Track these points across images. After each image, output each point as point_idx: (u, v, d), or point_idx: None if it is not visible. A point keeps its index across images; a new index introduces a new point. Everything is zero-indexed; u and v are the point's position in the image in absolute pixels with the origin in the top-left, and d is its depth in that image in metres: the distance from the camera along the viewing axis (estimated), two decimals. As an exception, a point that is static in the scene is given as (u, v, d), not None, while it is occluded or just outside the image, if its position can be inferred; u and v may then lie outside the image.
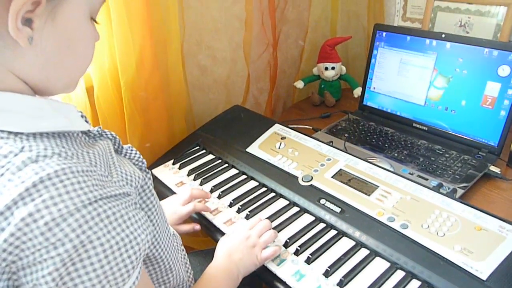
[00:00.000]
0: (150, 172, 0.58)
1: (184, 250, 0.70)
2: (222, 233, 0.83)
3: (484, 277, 0.63)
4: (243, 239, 0.75)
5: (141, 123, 1.04)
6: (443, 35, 1.06)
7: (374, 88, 1.25)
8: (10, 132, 0.42)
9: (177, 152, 1.10)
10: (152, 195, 0.54)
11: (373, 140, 1.14)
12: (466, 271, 0.65)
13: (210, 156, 1.07)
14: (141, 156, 0.60)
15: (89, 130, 0.52)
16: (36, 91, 0.47)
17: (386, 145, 1.11)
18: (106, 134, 0.55)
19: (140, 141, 1.05)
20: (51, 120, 0.45)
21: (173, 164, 1.06)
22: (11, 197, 0.38)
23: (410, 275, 0.68)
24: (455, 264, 0.66)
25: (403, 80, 1.17)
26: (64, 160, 0.41)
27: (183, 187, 0.97)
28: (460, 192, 0.90)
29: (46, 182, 0.38)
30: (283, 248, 0.77)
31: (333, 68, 1.37)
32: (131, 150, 0.59)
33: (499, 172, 0.96)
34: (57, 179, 0.39)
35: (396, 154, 1.06)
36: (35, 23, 0.41)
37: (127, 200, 0.46)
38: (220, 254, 0.74)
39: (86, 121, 0.57)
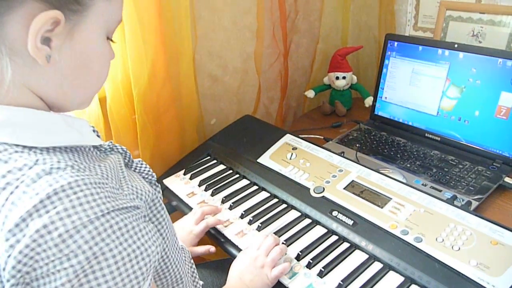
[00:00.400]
0: (159, 185, 0.58)
1: (193, 263, 0.70)
2: (233, 245, 0.83)
3: (501, 293, 0.62)
4: (251, 261, 0.75)
5: (153, 134, 1.04)
6: (456, 45, 1.06)
7: (386, 97, 1.24)
8: (24, 146, 0.43)
9: (188, 162, 1.11)
10: (162, 209, 0.55)
11: (385, 150, 1.13)
12: (483, 286, 0.64)
13: (221, 167, 1.07)
14: (151, 170, 0.60)
15: (100, 145, 0.53)
16: (52, 108, 0.48)
17: (398, 156, 1.10)
18: (117, 148, 0.56)
19: (152, 152, 1.06)
20: (65, 135, 0.46)
21: (184, 174, 1.06)
22: (25, 209, 0.38)
23: (424, 290, 0.67)
24: (471, 280, 0.65)
25: (415, 90, 1.16)
26: (77, 172, 0.42)
27: (194, 197, 0.97)
28: (474, 204, 0.88)
29: (60, 193, 0.39)
30: (295, 261, 0.76)
31: (344, 77, 1.37)
32: (141, 164, 0.59)
33: (515, 184, 0.94)
34: (70, 190, 0.40)
35: (408, 165, 1.05)
36: (53, 42, 0.42)
37: (138, 213, 0.46)
38: (231, 277, 0.75)
39: (98, 136, 0.58)
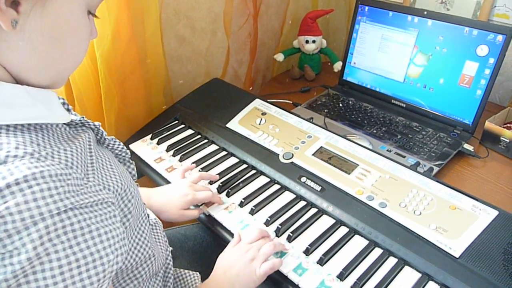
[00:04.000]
0: (133, 163, 0.56)
1: (165, 235, 0.69)
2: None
3: (457, 254, 0.66)
4: (241, 253, 0.69)
5: (117, 96, 1.00)
6: (425, 12, 1.06)
7: (355, 63, 1.25)
8: None
9: (155, 127, 1.08)
10: (132, 197, 0.50)
11: (353, 116, 1.14)
12: (440, 249, 0.68)
13: (189, 131, 1.06)
14: (124, 147, 0.58)
15: (70, 120, 0.49)
16: (17, 81, 0.43)
17: (365, 122, 1.12)
18: (89, 124, 0.52)
19: (117, 115, 1.02)
20: (28, 109, 0.42)
21: (151, 139, 1.04)
22: None
23: (387, 253, 0.70)
24: (430, 242, 0.69)
25: (384, 56, 1.17)
26: (36, 163, 0.38)
27: (162, 163, 0.95)
28: (435, 170, 0.92)
29: (13, 187, 0.36)
30: (264, 226, 0.78)
31: (313, 41, 1.36)
32: (114, 141, 0.56)
33: (472, 150, 0.99)
34: (25, 184, 0.36)
35: (374, 131, 1.08)
36: (22, 6, 0.38)
37: (103, 211, 0.42)
38: (216, 269, 0.69)
39: (68, 109, 0.53)
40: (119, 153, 0.56)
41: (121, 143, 0.57)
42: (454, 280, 0.63)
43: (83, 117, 0.52)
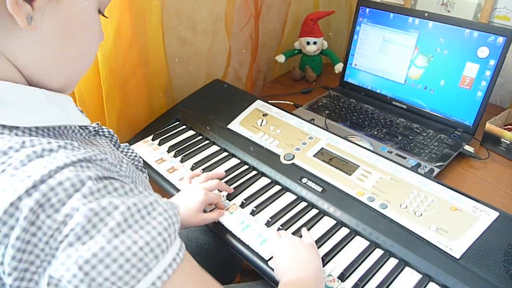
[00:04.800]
0: (146, 171, 0.56)
1: None
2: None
3: (457, 255, 0.66)
4: (288, 243, 0.68)
5: (119, 97, 1.00)
6: (426, 14, 1.06)
7: (356, 64, 1.25)
8: (4, 126, 0.38)
9: (156, 128, 1.08)
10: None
11: (354, 118, 1.15)
12: (441, 250, 0.68)
13: (191, 132, 1.06)
14: (138, 155, 0.57)
15: (86, 126, 0.49)
16: (30, 83, 0.42)
17: (366, 123, 1.12)
18: (103, 131, 0.52)
19: (118, 116, 1.02)
20: (48, 112, 0.42)
21: (153, 140, 1.04)
22: (17, 194, 0.34)
23: (388, 254, 0.70)
24: (431, 243, 0.69)
25: (385, 58, 1.17)
26: (72, 152, 0.38)
27: (163, 164, 0.96)
28: (436, 171, 0.92)
29: (54, 173, 0.36)
30: (265, 227, 0.78)
31: (315, 42, 1.36)
32: (128, 148, 0.56)
33: (473, 151, 0.99)
34: (66, 168, 0.36)
35: (375, 132, 1.08)
36: (37, 1, 0.38)
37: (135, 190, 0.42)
38: (284, 274, 0.65)
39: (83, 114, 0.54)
40: (132, 161, 0.56)
41: (135, 151, 0.57)
42: (455, 281, 0.63)
43: (98, 124, 0.52)
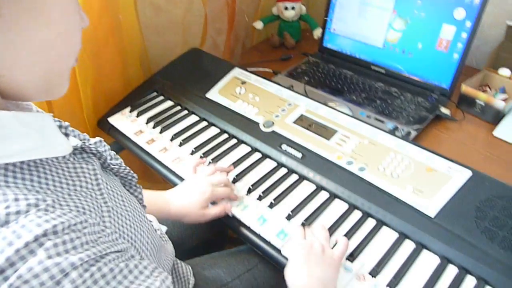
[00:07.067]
0: (140, 187, 0.53)
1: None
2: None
3: (432, 214, 0.69)
4: (308, 250, 0.61)
5: (92, 68, 0.97)
6: (404, -25, 1.05)
7: (334, 29, 1.24)
8: None
9: (133, 99, 1.06)
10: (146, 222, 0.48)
11: (333, 83, 1.15)
12: (417, 209, 0.70)
13: (169, 103, 1.04)
14: (131, 171, 0.53)
15: (72, 150, 0.42)
16: (3, 97, 0.35)
17: (345, 88, 1.12)
18: (90, 150, 0.46)
19: (93, 88, 1.00)
20: (20, 141, 0.34)
21: (130, 111, 1.02)
22: None
23: (366, 215, 0.72)
24: (407, 204, 0.71)
25: (363, 22, 1.16)
26: (45, 216, 0.32)
27: (142, 136, 0.95)
28: (413, 134, 0.94)
29: (23, 252, 0.30)
30: (247, 194, 0.78)
31: (293, 8, 1.33)
32: (119, 166, 0.51)
33: (449, 114, 1.00)
34: (36, 244, 0.30)
35: (354, 97, 1.08)
36: None
37: (124, 254, 0.38)
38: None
39: (66, 134, 0.45)
40: (124, 176, 0.52)
41: (127, 168, 0.52)
42: (430, 239, 0.66)
43: (83, 142, 0.45)
